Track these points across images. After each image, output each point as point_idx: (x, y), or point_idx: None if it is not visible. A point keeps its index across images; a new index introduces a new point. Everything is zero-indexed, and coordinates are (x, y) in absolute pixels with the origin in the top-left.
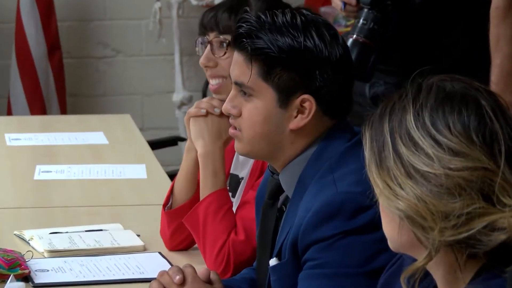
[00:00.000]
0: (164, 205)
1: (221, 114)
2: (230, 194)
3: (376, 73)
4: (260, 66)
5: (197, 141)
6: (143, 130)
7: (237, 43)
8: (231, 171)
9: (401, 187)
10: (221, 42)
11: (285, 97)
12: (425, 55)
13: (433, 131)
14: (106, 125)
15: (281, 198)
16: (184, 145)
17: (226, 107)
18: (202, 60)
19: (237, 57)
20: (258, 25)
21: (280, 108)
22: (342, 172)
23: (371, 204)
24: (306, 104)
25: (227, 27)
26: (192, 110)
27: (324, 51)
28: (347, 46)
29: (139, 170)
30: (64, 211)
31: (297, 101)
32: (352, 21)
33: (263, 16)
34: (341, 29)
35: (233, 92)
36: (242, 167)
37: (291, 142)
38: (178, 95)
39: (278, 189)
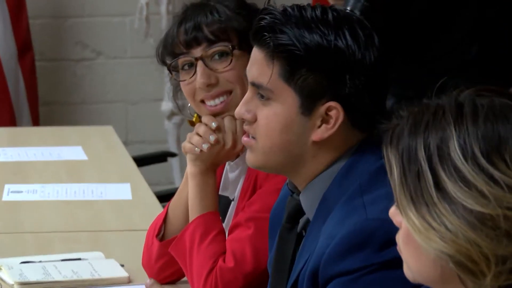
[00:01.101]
0: (156, 234)
1: (217, 141)
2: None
3: None
4: (282, 65)
5: (191, 161)
6: (127, 144)
7: (257, 38)
8: (219, 193)
9: (447, 228)
10: (217, 52)
11: (309, 103)
12: (432, 60)
13: (486, 165)
14: (85, 138)
15: (301, 221)
16: (175, 161)
17: (239, 111)
18: (202, 79)
19: (256, 54)
20: (283, 18)
21: (302, 115)
22: (374, 195)
23: None
24: (332, 113)
25: (218, 32)
26: (187, 145)
27: (357, 53)
28: (383, 49)
29: (123, 190)
30: (37, 237)
31: (322, 108)
32: None
33: (289, 9)
34: None
35: (248, 94)
36: (233, 187)
37: (313, 155)
38: (167, 104)
39: (298, 211)
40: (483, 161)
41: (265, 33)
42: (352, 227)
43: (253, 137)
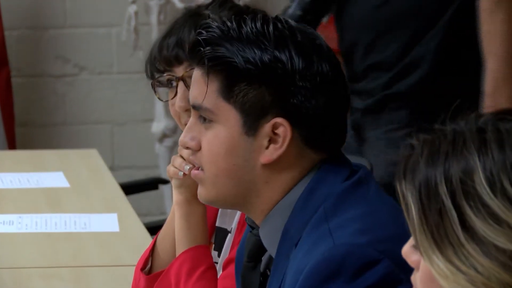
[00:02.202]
0: (142, 268)
1: None
2: (216, 252)
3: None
4: (220, 81)
5: (176, 188)
6: (114, 169)
7: (193, 54)
8: (217, 225)
9: (477, 271)
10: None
11: (252, 121)
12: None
13: None
14: (66, 163)
15: (264, 259)
16: (167, 189)
17: (183, 139)
18: (180, 102)
19: (195, 73)
20: (221, 32)
21: (246, 135)
22: (340, 219)
23: (380, 257)
24: (279, 130)
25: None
26: (170, 169)
27: (300, 63)
28: (337, 62)
29: (109, 221)
30: (14, 273)
31: (268, 126)
32: None
33: (228, 22)
34: None
35: (191, 119)
36: (230, 218)
37: (265, 181)
38: (159, 125)
39: (260, 248)
40: None
41: (200, 48)
42: (320, 257)
43: (201, 168)
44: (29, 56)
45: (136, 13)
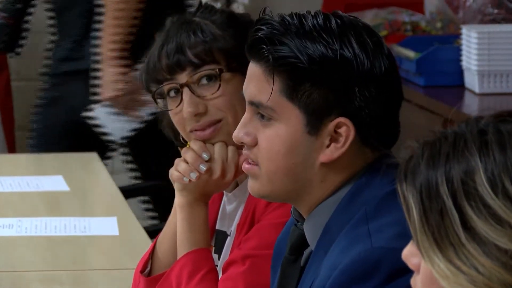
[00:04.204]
0: (141, 270)
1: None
2: (216, 255)
3: None
4: (284, 81)
5: (178, 191)
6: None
7: (254, 52)
8: (216, 227)
9: (478, 272)
10: (204, 76)
11: (315, 121)
12: None
13: None
14: (66, 166)
15: (305, 253)
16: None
17: (237, 134)
18: (189, 108)
19: (253, 69)
20: (282, 28)
21: (308, 134)
22: (381, 222)
23: None
24: (342, 130)
25: (202, 54)
26: (174, 173)
27: (365, 63)
28: (393, 57)
29: (109, 224)
30: (13, 277)
31: (331, 125)
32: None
33: (288, 18)
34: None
35: (247, 114)
36: (230, 221)
37: (321, 179)
38: None
39: (303, 242)
40: None
41: (263, 46)
42: (356, 256)
43: (256, 163)
44: (29, 59)
45: None
